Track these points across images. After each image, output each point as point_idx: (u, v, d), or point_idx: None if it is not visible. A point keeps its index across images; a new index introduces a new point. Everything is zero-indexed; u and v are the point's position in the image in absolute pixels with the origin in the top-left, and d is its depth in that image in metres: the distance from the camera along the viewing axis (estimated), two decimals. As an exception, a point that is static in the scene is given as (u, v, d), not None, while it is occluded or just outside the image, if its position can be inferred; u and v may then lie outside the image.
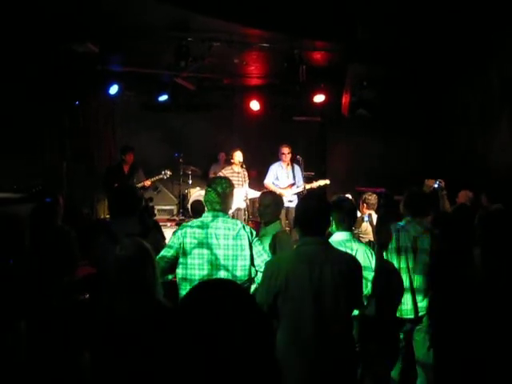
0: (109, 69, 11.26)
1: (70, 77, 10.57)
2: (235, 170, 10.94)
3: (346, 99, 10.67)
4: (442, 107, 10.81)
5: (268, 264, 4.14)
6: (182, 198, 12.60)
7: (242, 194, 10.49)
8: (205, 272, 4.65)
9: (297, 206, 4.29)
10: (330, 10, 9.14)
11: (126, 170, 10.93)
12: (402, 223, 5.44)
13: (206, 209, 4.96)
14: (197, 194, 11.76)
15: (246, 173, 10.95)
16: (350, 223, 5.14)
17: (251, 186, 11.02)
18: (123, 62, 11.12)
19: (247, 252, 4.73)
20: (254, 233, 4.90)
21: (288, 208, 10.28)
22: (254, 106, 12.92)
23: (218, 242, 4.68)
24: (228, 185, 4.90)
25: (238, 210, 10.86)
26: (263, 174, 11.20)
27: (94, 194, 11.77)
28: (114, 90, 11.89)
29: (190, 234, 4.70)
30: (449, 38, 9.22)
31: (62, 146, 11.86)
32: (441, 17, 8.72)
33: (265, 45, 10.02)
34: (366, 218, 7.70)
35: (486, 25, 8.82)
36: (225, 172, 10.97)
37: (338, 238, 4.96)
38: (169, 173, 11.21)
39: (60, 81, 10.50)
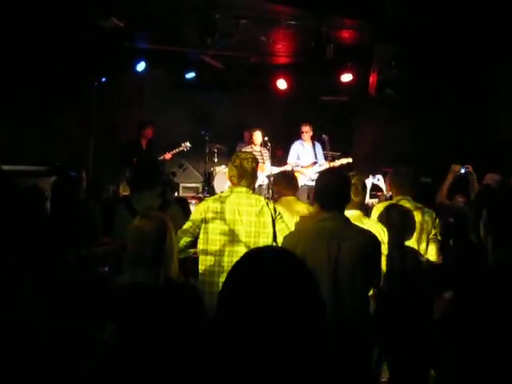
0: (136, 46, 11.25)
1: (97, 53, 10.57)
2: (255, 149, 10.94)
3: (373, 79, 10.60)
4: (470, 88, 10.64)
5: (286, 238, 4.14)
6: (208, 176, 12.64)
7: (266, 172, 10.57)
8: (226, 248, 4.67)
9: (316, 181, 4.28)
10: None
11: (144, 145, 10.94)
12: None
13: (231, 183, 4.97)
14: (222, 172, 11.81)
15: (267, 151, 10.97)
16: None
17: (277, 164, 11.02)
18: (150, 39, 11.09)
19: (270, 229, 4.74)
20: (278, 210, 4.91)
21: (310, 187, 10.28)
22: (281, 84, 12.85)
23: (240, 218, 4.69)
24: (252, 160, 4.90)
25: (260, 186, 10.90)
26: (287, 152, 11.18)
27: (119, 170, 11.86)
28: (141, 66, 11.90)
29: (212, 208, 4.72)
30: (481, 15, 9.06)
31: (89, 121, 11.95)
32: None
33: (292, 22, 9.95)
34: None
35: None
36: (245, 151, 10.96)
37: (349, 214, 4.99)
38: (188, 145, 11.24)
39: (87, 56, 10.51)
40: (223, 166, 12.21)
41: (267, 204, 4.84)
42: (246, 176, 4.84)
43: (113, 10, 8.32)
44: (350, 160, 10.66)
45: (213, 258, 4.64)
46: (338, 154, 11.62)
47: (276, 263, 1.57)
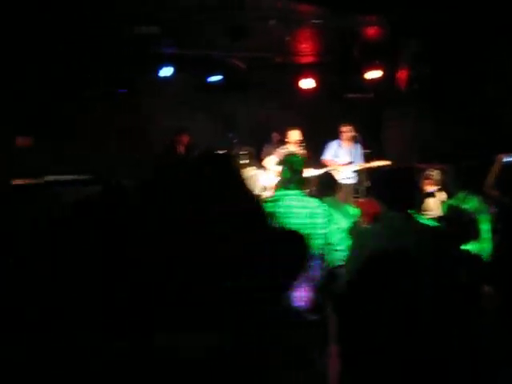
0: (161, 51, 11.26)
1: (124, 60, 10.58)
2: (290, 149, 10.87)
3: (402, 74, 10.53)
4: (502, 81, 10.50)
5: (354, 236, 4.10)
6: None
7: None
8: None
9: (381, 178, 4.24)
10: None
11: (181, 151, 10.95)
12: None
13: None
14: (251, 173, 11.74)
15: (302, 152, 10.90)
16: None
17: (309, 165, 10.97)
18: (175, 43, 11.08)
19: (322, 230, 4.70)
20: (329, 212, 4.86)
21: (344, 185, 10.22)
22: (307, 84, 12.80)
23: (292, 221, 4.65)
24: (302, 162, 4.88)
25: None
26: (315, 152, 11.10)
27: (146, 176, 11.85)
28: (167, 71, 11.90)
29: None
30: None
31: (115, 128, 11.97)
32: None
33: (317, 21, 9.90)
34: None
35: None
36: (280, 151, 10.92)
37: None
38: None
39: (115, 64, 10.53)
40: (251, 168, 12.16)
41: (319, 205, 4.80)
42: (296, 178, 4.81)
43: (148, 16, 8.30)
44: (388, 163, 10.58)
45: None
46: (369, 151, 11.55)
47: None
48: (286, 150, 10.86)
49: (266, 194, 11.85)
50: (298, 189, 4.81)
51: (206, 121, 12.68)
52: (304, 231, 4.59)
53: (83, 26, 8.41)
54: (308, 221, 4.67)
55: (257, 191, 11.44)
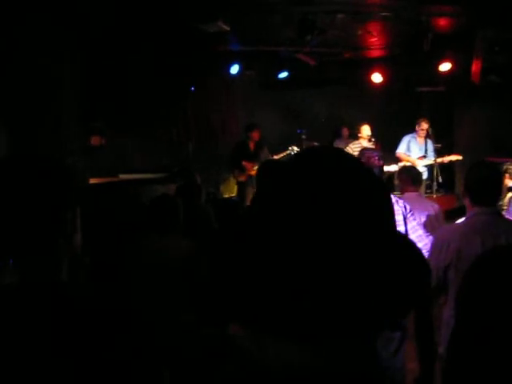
0: (229, 48, 11.25)
1: (193, 58, 10.63)
2: (363, 145, 10.76)
3: (476, 66, 10.20)
4: None
5: (437, 236, 3.98)
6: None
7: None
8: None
9: (467, 174, 4.09)
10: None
11: (251, 148, 10.96)
12: None
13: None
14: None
15: (374, 147, 10.75)
16: None
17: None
18: (243, 40, 11.04)
19: (402, 228, 4.59)
20: (408, 207, 4.74)
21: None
22: (376, 78, 12.60)
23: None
24: (379, 157, 4.79)
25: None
26: (387, 146, 10.93)
27: (218, 173, 11.91)
28: (234, 69, 11.92)
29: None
30: None
31: (187, 126, 12.05)
32: None
33: (387, 14, 9.68)
34: None
35: None
36: (352, 147, 10.83)
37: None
38: (296, 148, 11.16)
39: (184, 63, 10.59)
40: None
41: (397, 202, 4.68)
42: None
43: (219, 13, 8.28)
44: (459, 157, 10.36)
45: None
46: (440, 145, 11.31)
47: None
48: (357, 145, 10.75)
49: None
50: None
51: (275, 118, 12.62)
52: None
53: (151, 27, 8.44)
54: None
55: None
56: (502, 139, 11.40)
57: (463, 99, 12.72)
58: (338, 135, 13.51)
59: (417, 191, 5.98)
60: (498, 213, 3.76)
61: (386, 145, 11.05)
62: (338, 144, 13.27)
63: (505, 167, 7.95)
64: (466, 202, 3.77)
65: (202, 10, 8.07)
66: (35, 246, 1.71)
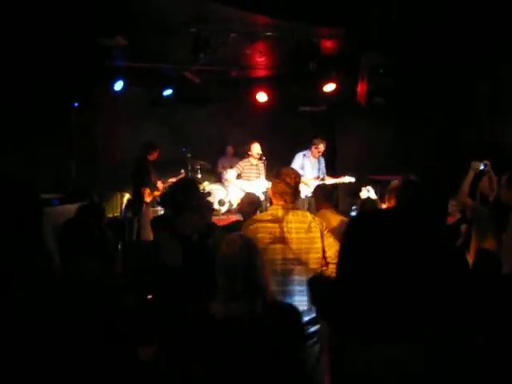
0: (114, 64, 10.98)
1: (76, 73, 10.26)
2: (252, 163, 10.81)
3: (361, 88, 10.53)
4: (457, 95, 10.60)
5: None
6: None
7: (262, 186, 10.44)
8: (277, 267, 4.52)
9: (398, 193, 4.15)
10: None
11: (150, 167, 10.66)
12: None
13: (273, 201, 4.82)
14: (208, 188, 11.68)
15: (262, 165, 10.82)
16: None
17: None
18: (129, 56, 10.81)
19: (319, 245, 4.61)
20: (324, 224, 4.78)
21: (310, 199, 10.24)
22: (261, 97, 12.75)
23: (290, 236, 4.56)
24: (297, 176, 4.78)
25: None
26: (271, 165, 10.97)
27: (102, 191, 11.54)
28: (119, 85, 11.67)
29: (261, 228, 4.58)
30: (470, 25, 9.04)
31: (70, 144, 11.61)
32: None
33: (275, 34, 9.77)
34: None
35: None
36: (242, 164, 10.85)
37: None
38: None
39: (67, 77, 10.22)
40: (207, 183, 12.06)
41: (314, 219, 4.71)
42: (292, 192, 4.70)
43: (117, 28, 8.07)
44: (352, 179, 10.62)
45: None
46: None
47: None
48: (247, 163, 10.78)
49: (223, 209, 11.75)
50: (293, 203, 4.71)
51: (160, 135, 12.41)
52: (300, 248, 4.55)
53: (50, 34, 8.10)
54: (304, 235, 4.57)
55: (215, 206, 11.31)
56: (383, 157, 11.81)
57: (345, 119, 13.11)
58: (223, 153, 13.53)
59: (331, 208, 6.06)
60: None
61: (269, 163, 11.14)
62: (222, 162, 13.32)
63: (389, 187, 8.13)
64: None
65: (102, 24, 7.85)
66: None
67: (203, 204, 5.72)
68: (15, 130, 10.07)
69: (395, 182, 7.06)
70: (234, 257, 3.18)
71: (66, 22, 7.67)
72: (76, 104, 11.27)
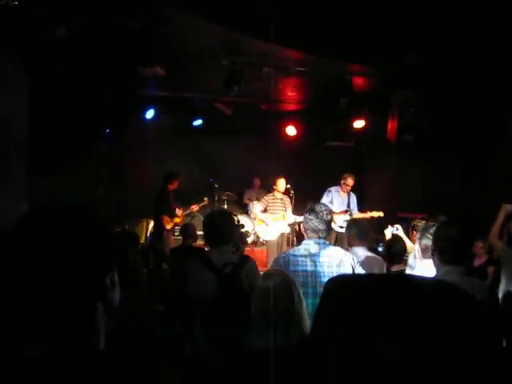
0: (146, 93, 11.11)
1: (112, 100, 10.38)
2: (277, 197, 10.83)
3: (392, 125, 10.53)
4: (488, 133, 10.55)
5: None
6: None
7: (288, 220, 10.49)
8: (309, 301, 4.50)
9: (436, 232, 4.10)
10: (377, 35, 9.04)
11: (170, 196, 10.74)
12: None
13: (306, 236, 4.80)
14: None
15: (289, 199, 10.86)
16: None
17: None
18: (162, 85, 10.92)
19: (350, 279, 4.59)
20: (356, 259, 4.76)
21: (338, 233, 10.23)
22: (291, 131, 12.81)
23: (322, 270, 4.54)
24: (329, 212, 4.76)
25: (282, 235, 10.77)
26: (298, 198, 10.99)
27: (128, 218, 11.59)
28: (150, 114, 11.80)
29: (292, 262, 4.56)
30: (499, 64, 9.05)
31: (99, 170, 11.72)
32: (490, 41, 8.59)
33: (306, 69, 9.88)
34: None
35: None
36: (266, 198, 10.88)
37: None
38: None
39: (104, 104, 10.34)
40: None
41: (345, 254, 4.70)
42: (324, 227, 4.69)
43: (156, 58, 8.18)
44: (381, 214, 10.54)
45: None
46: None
47: None
48: (271, 197, 10.81)
49: (248, 241, 11.76)
50: (324, 238, 4.70)
51: (188, 165, 12.49)
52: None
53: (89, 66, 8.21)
54: (336, 270, 4.55)
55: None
56: (412, 196, 11.74)
57: (374, 156, 13.08)
58: (250, 185, 13.57)
59: (363, 246, 5.99)
60: (467, 273, 3.77)
61: (296, 197, 11.14)
62: (248, 194, 13.35)
63: (413, 224, 8.08)
64: (435, 260, 3.79)
65: (143, 53, 7.94)
66: (74, 313, 1.49)
67: (240, 236, 5.72)
68: (50, 154, 10.19)
69: (423, 222, 7.07)
70: (272, 290, 3.19)
71: (111, 51, 7.76)
72: (107, 130, 11.32)
